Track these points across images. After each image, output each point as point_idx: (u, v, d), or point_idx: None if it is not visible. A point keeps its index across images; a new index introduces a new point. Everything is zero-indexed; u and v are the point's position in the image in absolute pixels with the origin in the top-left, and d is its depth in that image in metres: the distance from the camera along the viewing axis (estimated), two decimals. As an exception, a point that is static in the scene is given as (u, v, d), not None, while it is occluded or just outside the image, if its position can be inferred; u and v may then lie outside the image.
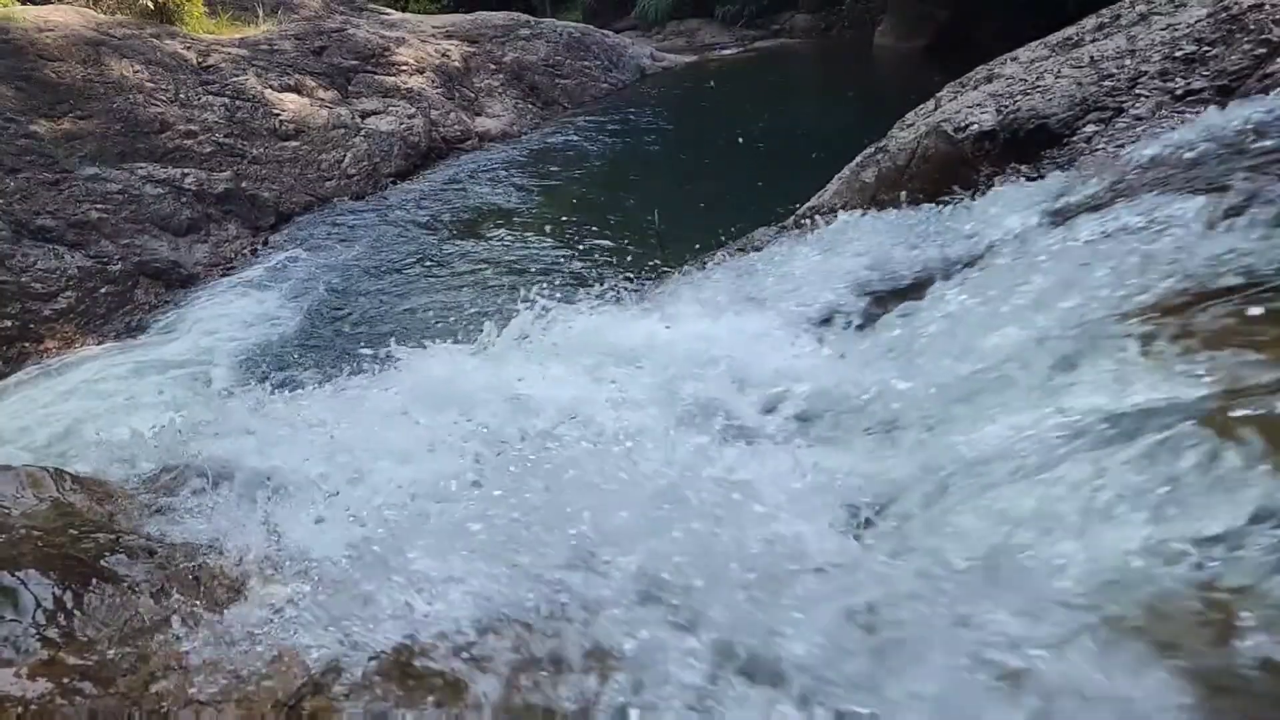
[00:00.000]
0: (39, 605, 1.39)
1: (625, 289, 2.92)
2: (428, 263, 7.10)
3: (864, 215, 3.08)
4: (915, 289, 2.19)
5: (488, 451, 1.77)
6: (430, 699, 1.16)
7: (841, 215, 3.24)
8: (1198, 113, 2.24)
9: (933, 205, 2.79)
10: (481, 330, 2.72)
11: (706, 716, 1.06)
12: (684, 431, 1.79)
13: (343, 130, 9.67)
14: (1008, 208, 2.36)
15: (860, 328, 2.15)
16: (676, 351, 2.24)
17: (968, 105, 3.12)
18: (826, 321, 2.28)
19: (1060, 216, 2.07)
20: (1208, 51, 2.49)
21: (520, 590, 1.28)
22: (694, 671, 1.10)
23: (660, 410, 1.94)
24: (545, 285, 2.82)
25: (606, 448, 1.57)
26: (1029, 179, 2.56)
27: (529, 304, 2.72)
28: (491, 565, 1.33)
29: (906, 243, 2.53)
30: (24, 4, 8.96)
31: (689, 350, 2.23)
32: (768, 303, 2.46)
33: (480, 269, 6.81)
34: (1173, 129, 2.25)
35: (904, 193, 3.09)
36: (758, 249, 3.35)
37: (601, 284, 2.91)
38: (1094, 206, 2.02)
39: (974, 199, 2.63)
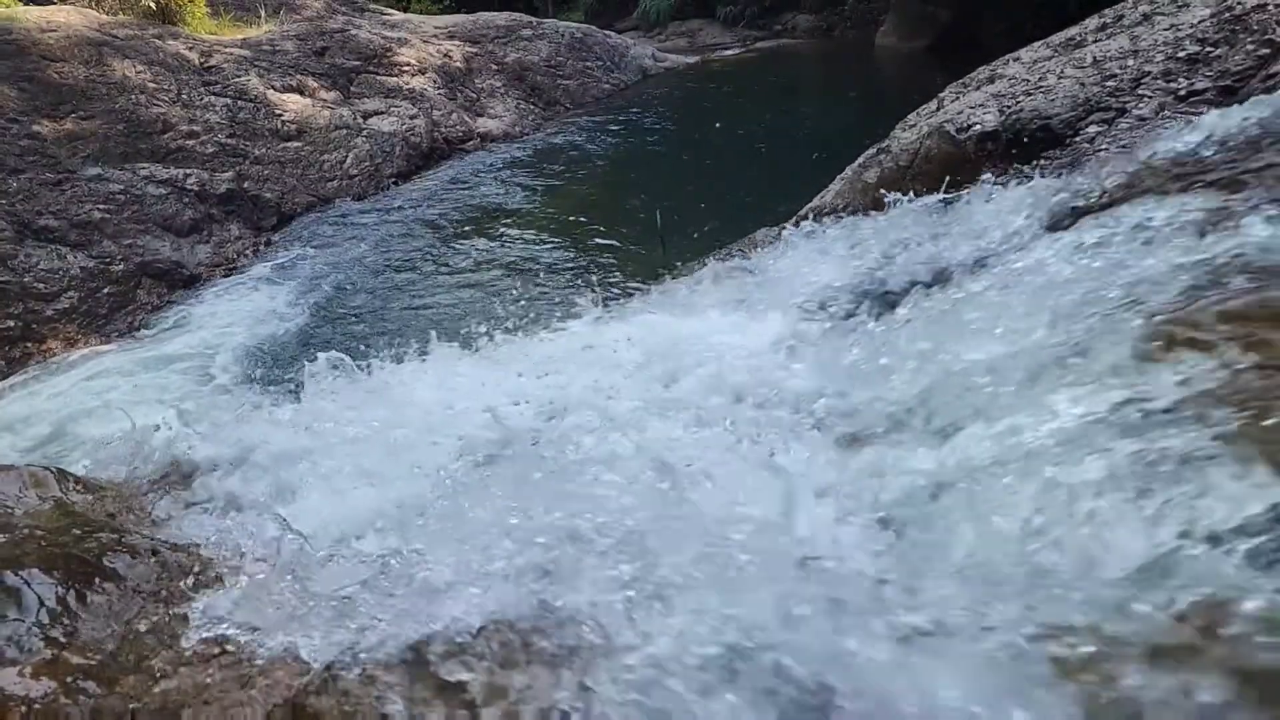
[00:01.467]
0: (42, 605, 1.39)
1: (623, 290, 2.92)
2: (430, 263, 7.10)
3: (865, 216, 3.08)
4: (909, 292, 2.19)
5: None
6: (435, 697, 1.16)
7: (843, 216, 3.24)
8: (1201, 113, 2.24)
9: (935, 205, 2.79)
10: (474, 334, 2.74)
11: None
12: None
13: (345, 131, 9.68)
14: (1010, 209, 2.35)
15: (850, 330, 2.16)
16: (648, 355, 2.27)
17: (970, 106, 3.12)
18: (817, 322, 2.28)
19: (1062, 218, 2.07)
20: (1211, 52, 2.49)
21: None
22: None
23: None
24: (529, 297, 2.86)
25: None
26: (1032, 179, 2.56)
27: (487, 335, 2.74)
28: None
29: (907, 244, 2.52)
30: (27, 4, 8.97)
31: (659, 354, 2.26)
32: (760, 305, 2.46)
33: (482, 270, 6.82)
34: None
35: (906, 193, 3.09)
36: (759, 250, 3.35)
37: (595, 288, 2.93)
38: (1098, 207, 2.02)
39: (976, 200, 2.63)
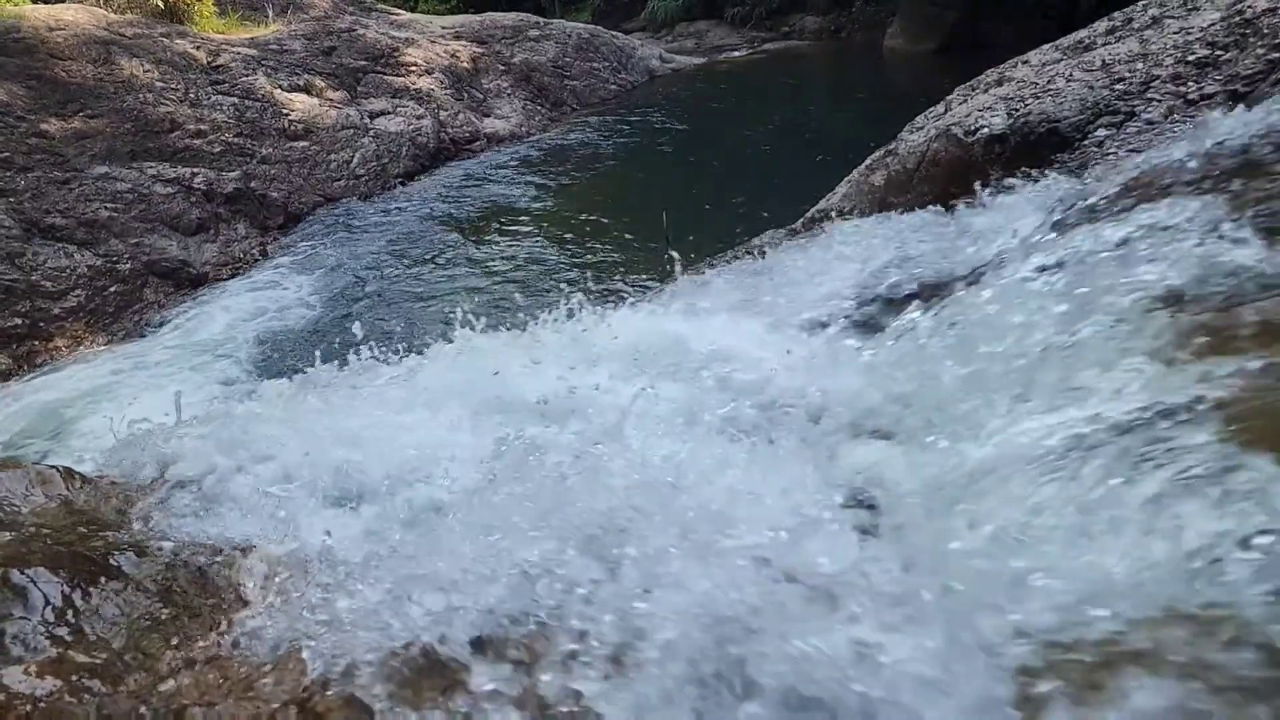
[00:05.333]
0: (48, 603, 1.39)
1: (627, 290, 2.91)
2: (434, 265, 7.11)
3: (871, 219, 3.07)
4: (917, 296, 2.19)
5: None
6: (437, 697, 1.16)
7: (850, 218, 3.23)
8: (1211, 117, 2.23)
9: (942, 210, 2.78)
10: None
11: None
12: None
13: (351, 130, 9.70)
14: (1018, 212, 2.35)
15: (855, 334, 2.15)
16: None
17: (978, 108, 3.11)
18: (820, 328, 2.28)
19: (1071, 221, 2.07)
20: (1220, 55, 2.48)
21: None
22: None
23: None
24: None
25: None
26: (1040, 183, 2.55)
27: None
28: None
29: (912, 248, 2.51)
30: (35, 3, 9.01)
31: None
32: (765, 307, 2.46)
33: (485, 272, 6.83)
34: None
35: (913, 196, 3.08)
36: (764, 252, 3.35)
37: (598, 289, 2.93)
38: (1106, 211, 2.01)
39: (983, 203, 2.62)
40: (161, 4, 9.79)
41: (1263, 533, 1.02)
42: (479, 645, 1.26)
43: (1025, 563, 1.16)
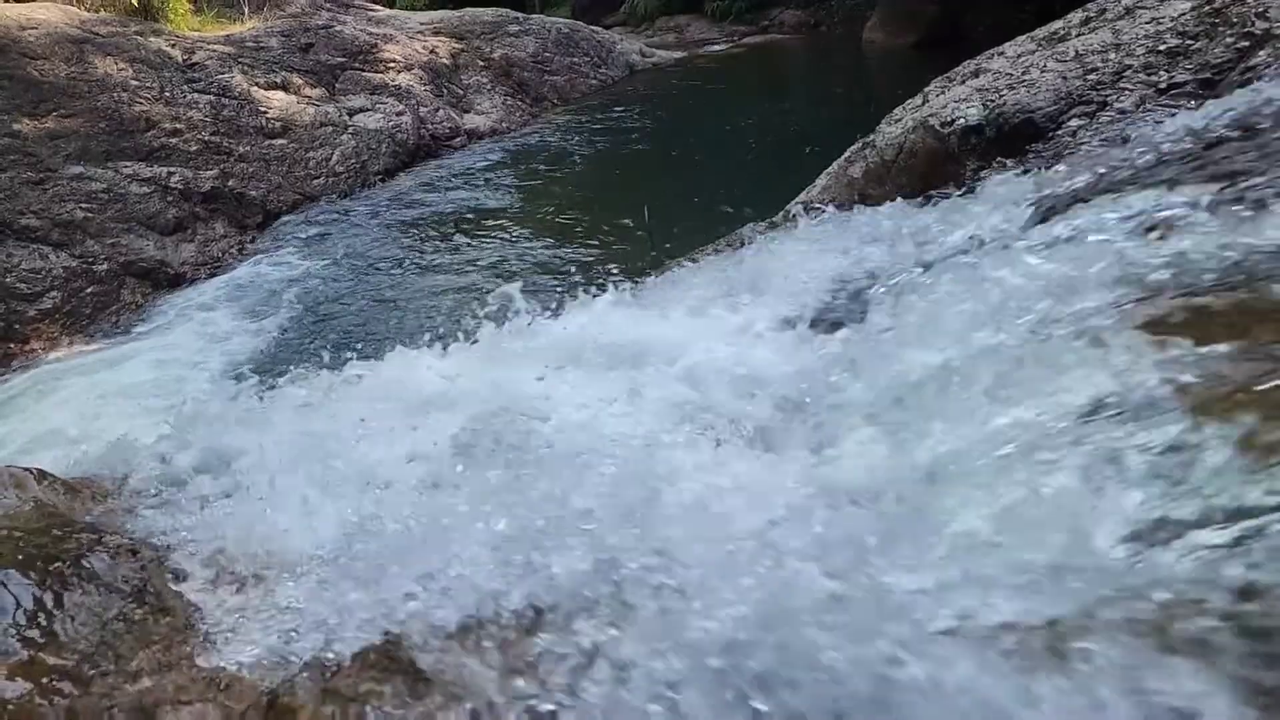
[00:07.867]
0: (19, 606, 1.38)
1: (609, 285, 2.91)
2: (413, 262, 7.08)
3: (850, 211, 3.08)
4: (890, 287, 2.20)
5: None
6: (408, 694, 1.15)
7: (828, 210, 3.24)
8: (1181, 106, 2.25)
9: (918, 201, 2.80)
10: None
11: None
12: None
13: (330, 128, 9.62)
14: (992, 203, 2.36)
15: (833, 323, 2.17)
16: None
17: (954, 100, 3.12)
18: (789, 319, 2.29)
19: (1045, 210, 2.08)
20: (1191, 45, 2.50)
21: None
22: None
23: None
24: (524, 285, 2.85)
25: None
26: (1016, 172, 2.57)
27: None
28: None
29: (886, 240, 2.53)
30: (6, 1, 8.88)
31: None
32: (743, 299, 2.47)
33: (465, 268, 6.80)
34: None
35: (890, 188, 3.09)
36: (742, 245, 3.35)
37: (579, 284, 2.94)
38: (1079, 199, 2.02)
39: (960, 194, 2.63)
40: (135, 2, 9.66)
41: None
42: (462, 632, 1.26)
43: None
